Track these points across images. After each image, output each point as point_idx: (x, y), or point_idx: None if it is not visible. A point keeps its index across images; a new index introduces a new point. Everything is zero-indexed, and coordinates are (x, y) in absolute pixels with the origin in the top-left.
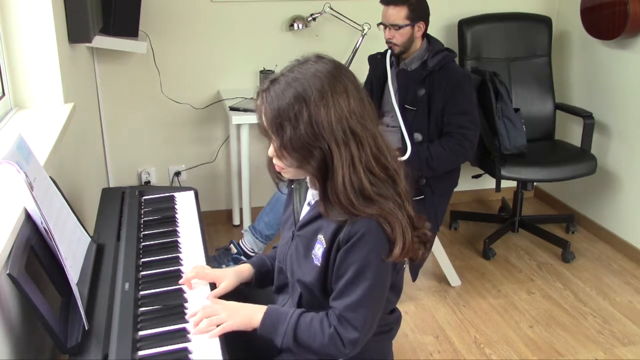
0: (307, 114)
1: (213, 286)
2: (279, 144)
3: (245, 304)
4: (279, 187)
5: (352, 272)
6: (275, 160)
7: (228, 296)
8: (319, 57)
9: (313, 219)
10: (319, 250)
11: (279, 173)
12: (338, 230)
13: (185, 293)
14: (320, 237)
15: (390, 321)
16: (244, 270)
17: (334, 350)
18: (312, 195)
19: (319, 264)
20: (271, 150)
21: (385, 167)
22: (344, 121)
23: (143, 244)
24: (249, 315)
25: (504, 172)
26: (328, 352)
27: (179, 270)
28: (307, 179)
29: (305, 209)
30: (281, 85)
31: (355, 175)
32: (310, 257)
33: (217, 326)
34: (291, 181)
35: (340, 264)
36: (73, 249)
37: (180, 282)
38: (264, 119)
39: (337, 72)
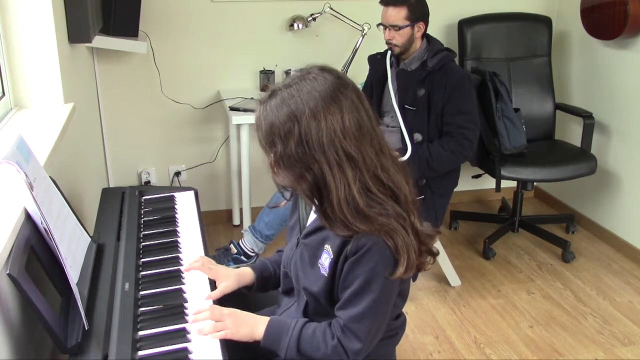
0: (298, 133)
1: (213, 285)
2: (272, 160)
3: (250, 313)
4: (284, 195)
5: (358, 284)
6: (272, 175)
7: (229, 299)
8: (322, 71)
9: (319, 228)
10: (325, 260)
11: None
12: (346, 242)
13: (185, 293)
14: (327, 247)
15: (396, 326)
16: (246, 274)
17: None
18: None
19: (325, 274)
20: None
21: (385, 185)
22: (337, 142)
23: (143, 244)
24: (252, 328)
25: (504, 172)
26: None
27: (179, 271)
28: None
29: (312, 216)
30: (277, 100)
31: (350, 195)
32: (316, 266)
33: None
34: None
35: (347, 275)
36: (73, 249)
37: (183, 268)
38: (259, 132)
39: (335, 91)
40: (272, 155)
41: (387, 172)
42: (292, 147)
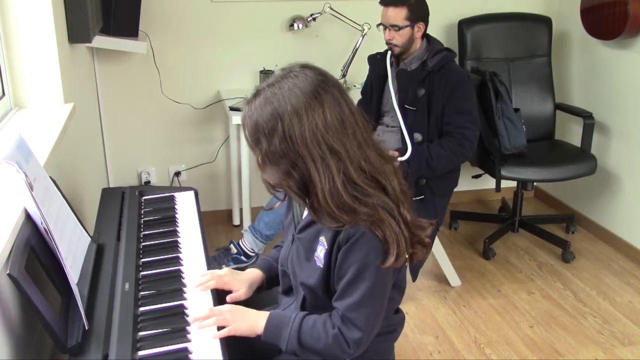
0: (282, 130)
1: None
2: (259, 157)
3: (249, 309)
4: (276, 195)
5: (352, 273)
6: (260, 173)
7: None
8: (303, 68)
9: (313, 221)
10: (321, 252)
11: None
12: (338, 231)
13: (185, 293)
14: (322, 238)
15: (395, 322)
16: (256, 278)
17: (339, 350)
18: None
19: (321, 266)
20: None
21: (372, 177)
22: (319, 136)
23: (143, 244)
24: (253, 322)
25: (504, 172)
26: (333, 353)
27: (179, 271)
28: None
29: (306, 211)
30: (261, 99)
31: (334, 188)
32: (312, 259)
33: (221, 328)
34: None
35: (341, 264)
36: (73, 249)
37: (194, 285)
38: (245, 131)
39: (316, 87)
40: (258, 152)
41: (372, 164)
42: (276, 143)
